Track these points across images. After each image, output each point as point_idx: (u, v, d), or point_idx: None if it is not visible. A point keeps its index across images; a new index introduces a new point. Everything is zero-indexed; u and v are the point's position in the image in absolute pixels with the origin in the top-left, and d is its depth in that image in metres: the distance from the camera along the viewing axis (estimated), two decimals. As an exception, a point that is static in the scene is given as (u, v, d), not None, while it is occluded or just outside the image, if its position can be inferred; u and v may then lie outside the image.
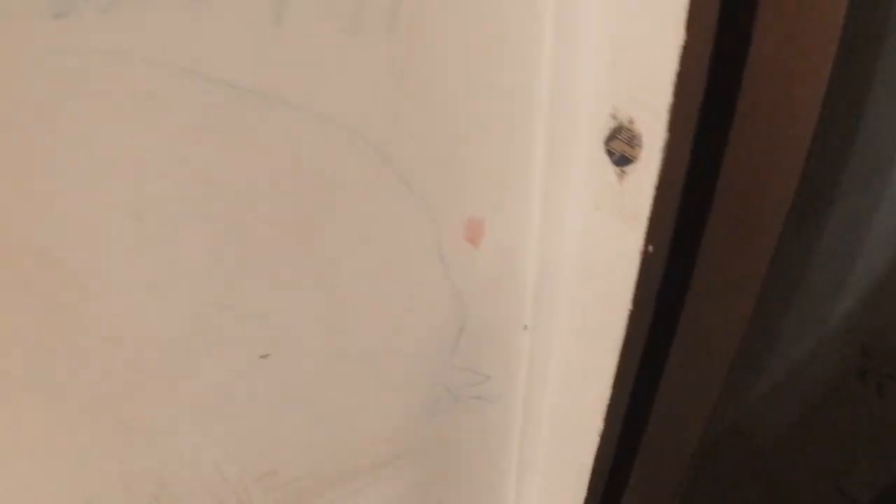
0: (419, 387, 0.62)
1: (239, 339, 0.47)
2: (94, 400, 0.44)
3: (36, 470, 0.44)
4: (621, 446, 0.67)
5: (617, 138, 0.48)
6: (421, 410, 0.63)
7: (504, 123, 0.48)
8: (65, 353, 0.40)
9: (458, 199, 0.50)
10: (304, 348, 0.51)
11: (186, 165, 0.38)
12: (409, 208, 0.49)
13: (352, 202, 0.46)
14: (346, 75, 0.40)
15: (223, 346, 0.46)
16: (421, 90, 0.44)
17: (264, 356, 0.49)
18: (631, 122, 0.46)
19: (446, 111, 0.45)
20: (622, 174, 0.49)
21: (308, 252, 0.47)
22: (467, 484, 0.76)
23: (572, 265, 0.59)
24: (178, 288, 0.41)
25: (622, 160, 0.48)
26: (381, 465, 0.66)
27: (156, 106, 0.36)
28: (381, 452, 0.64)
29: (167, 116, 0.36)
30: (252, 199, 0.41)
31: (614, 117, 0.47)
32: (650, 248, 0.50)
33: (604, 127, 0.48)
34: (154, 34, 0.35)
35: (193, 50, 0.36)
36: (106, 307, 0.40)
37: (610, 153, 0.49)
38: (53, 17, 0.33)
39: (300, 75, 0.39)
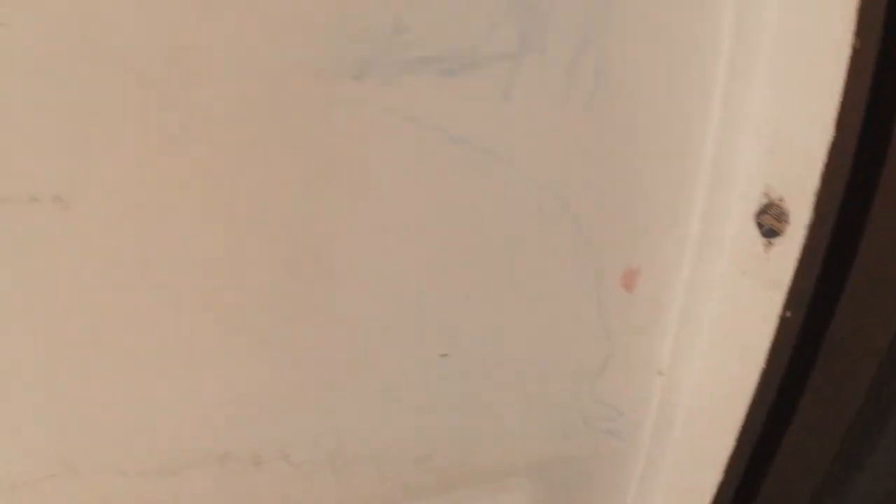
0: (558, 409, 0.72)
1: (428, 337, 0.59)
2: (308, 365, 0.58)
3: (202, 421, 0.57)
4: (737, 500, 0.72)
5: (767, 213, 0.56)
6: (555, 431, 0.72)
7: (670, 190, 0.58)
8: (310, 322, 0.54)
9: (620, 249, 0.60)
10: (474, 354, 0.62)
11: (428, 193, 0.51)
12: (579, 251, 0.59)
13: (533, 239, 0.58)
14: (550, 140, 0.52)
15: (417, 341, 0.59)
16: (605, 157, 0.55)
17: (444, 355, 0.61)
18: (781, 200, 0.54)
19: (623, 176, 0.56)
20: (768, 245, 0.56)
21: (491, 276, 0.58)
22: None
23: (712, 320, 0.66)
24: (405, 289, 0.54)
25: (770, 232, 0.56)
26: (510, 474, 0.75)
27: (413, 150, 0.50)
28: (513, 461, 0.74)
29: (420, 158, 0.50)
30: (464, 227, 0.54)
31: (766, 195, 0.56)
32: (788, 314, 0.57)
33: (756, 202, 0.56)
34: (418, 98, 0.49)
35: (443, 112, 0.50)
36: (355, 296, 0.53)
37: (759, 225, 0.58)
38: (352, 78, 0.47)
39: (517, 138, 0.51)
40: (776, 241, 0.56)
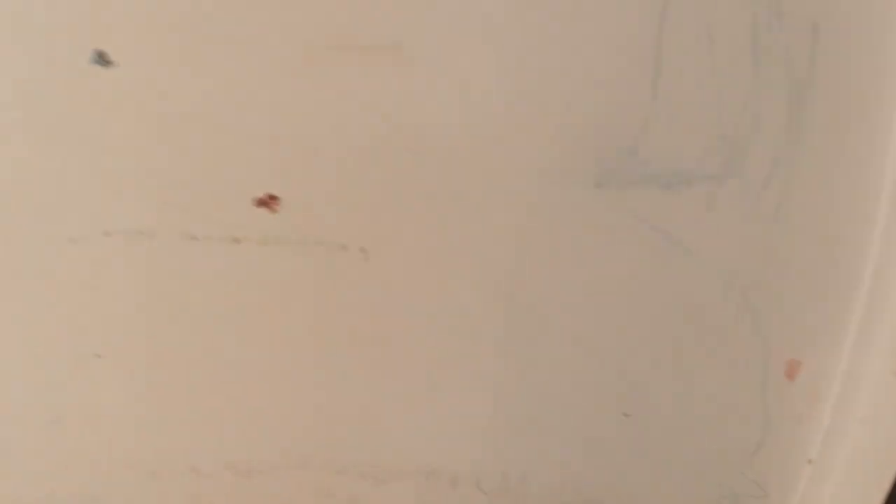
0: (713, 481, 0.80)
1: (618, 398, 0.71)
2: (518, 405, 0.70)
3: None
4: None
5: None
6: (710, 498, 0.81)
7: (837, 291, 0.68)
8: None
9: (788, 341, 0.71)
10: (652, 418, 0.73)
11: (640, 279, 0.64)
12: (753, 340, 0.70)
13: (715, 326, 0.69)
14: (742, 244, 0.65)
15: (609, 399, 0.71)
16: (785, 260, 0.67)
17: (626, 415, 0.73)
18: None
19: (799, 277, 0.67)
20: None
21: (678, 353, 0.70)
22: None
23: (864, 416, 0.74)
24: (609, 354, 0.67)
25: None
26: None
27: (636, 245, 0.64)
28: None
29: (639, 252, 0.64)
30: (663, 308, 0.67)
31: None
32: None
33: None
34: (642, 205, 0.63)
35: (660, 217, 0.64)
36: (568, 359, 0.67)
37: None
38: (595, 186, 0.62)
39: (715, 241, 0.64)
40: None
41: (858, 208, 0.68)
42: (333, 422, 0.71)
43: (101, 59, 0.55)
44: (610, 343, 0.68)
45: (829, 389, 0.75)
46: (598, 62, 0.58)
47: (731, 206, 0.64)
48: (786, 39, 0.59)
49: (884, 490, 0.72)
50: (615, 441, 0.74)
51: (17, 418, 0.71)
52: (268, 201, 0.57)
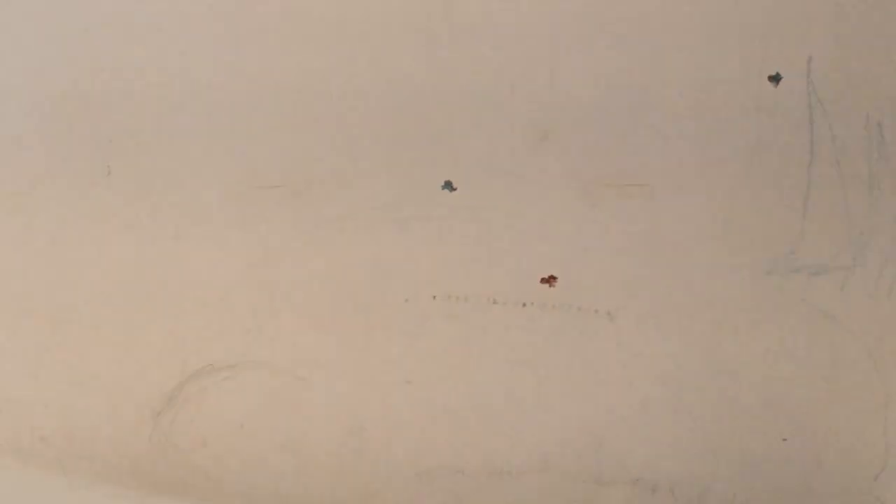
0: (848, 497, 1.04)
1: (776, 424, 0.98)
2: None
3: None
4: None
5: None
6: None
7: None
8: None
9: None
10: (804, 438, 0.99)
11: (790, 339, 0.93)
12: (873, 381, 0.96)
13: (843, 374, 0.96)
14: (866, 313, 0.93)
15: (765, 428, 0.98)
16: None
17: (784, 440, 0.99)
18: None
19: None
20: None
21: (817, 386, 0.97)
22: None
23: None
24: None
25: None
26: None
27: (790, 316, 0.93)
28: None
29: (791, 320, 0.93)
30: (798, 362, 0.95)
31: None
32: None
33: None
34: (797, 288, 0.93)
35: (812, 296, 0.93)
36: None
37: None
38: (765, 274, 0.93)
39: (846, 310, 0.93)
40: None
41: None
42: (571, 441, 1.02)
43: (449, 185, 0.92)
44: (779, 386, 0.96)
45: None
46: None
47: (857, 287, 0.93)
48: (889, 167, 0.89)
49: None
50: (775, 462, 1.00)
51: (323, 428, 1.05)
52: (549, 280, 0.91)
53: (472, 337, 0.97)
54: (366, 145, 0.99)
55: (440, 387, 1.01)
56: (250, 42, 1.04)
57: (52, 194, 1.18)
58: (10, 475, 1.38)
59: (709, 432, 1.00)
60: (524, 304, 0.94)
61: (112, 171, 1.14)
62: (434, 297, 0.97)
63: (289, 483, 1.12)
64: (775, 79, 0.89)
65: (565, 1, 0.92)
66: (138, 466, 1.22)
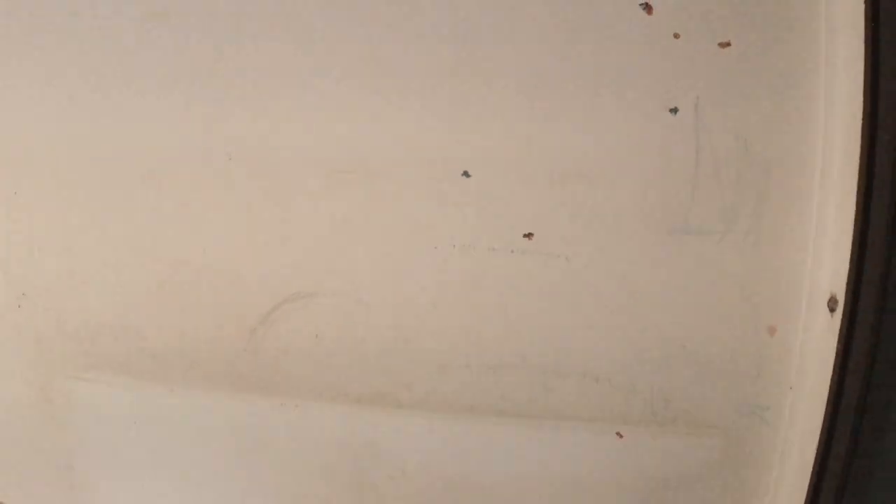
0: (736, 396, 1.53)
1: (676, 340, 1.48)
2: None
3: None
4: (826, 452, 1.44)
5: (832, 300, 1.40)
6: (737, 409, 1.53)
7: (798, 291, 1.45)
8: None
9: (773, 311, 1.47)
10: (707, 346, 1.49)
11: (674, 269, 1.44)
12: (747, 318, 1.46)
13: (720, 313, 1.47)
14: (737, 263, 1.44)
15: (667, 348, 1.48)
16: (762, 271, 1.44)
17: (684, 347, 1.49)
18: (835, 295, 1.38)
19: (769, 284, 1.45)
20: (832, 313, 1.40)
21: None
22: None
23: (811, 359, 1.47)
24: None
25: (832, 307, 1.39)
26: (709, 426, 1.56)
27: (680, 254, 1.44)
28: (713, 420, 1.54)
29: (683, 257, 1.44)
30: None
31: (831, 293, 1.40)
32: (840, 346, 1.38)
33: (825, 295, 1.41)
34: (692, 244, 1.44)
35: (699, 250, 1.44)
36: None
37: (830, 306, 1.41)
38: (668, 234, 1.44)
39: (717, 257, 1.44)
40: (836, 311, 1.39)
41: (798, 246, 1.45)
42: (542, 345, 1.52)
43: (466, 174, 1.44)
44: (680, 310, 1.46)
45: (795, 337, 1.48)
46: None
47: (732, 243, 1.44)
48: (750, 169, 1.40)
49: (825, 399, 1.43)
50: (679, 362, 1.49)
51: (377, 338, 1.55)
52: (529, 235, 1.42)
53: (478, 272, 1.48)
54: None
55: (456, 307, 1.52)
56: None
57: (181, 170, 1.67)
58: (125, 391, 1.84)
59: (634, 340, 1.49)
60: (512, 251, 1.45)
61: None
62: (454, 245, 1.48)
63: (351, 379, 1.62)
64: (674, 111, 1.40)
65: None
66: (234, 372, 1.70)
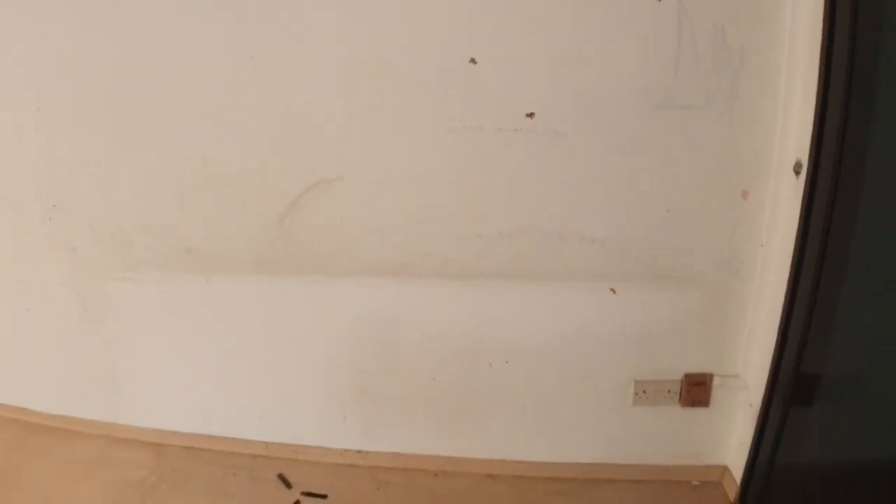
0: (714, 249, 1.74)
1: (660, 198, 1.69)
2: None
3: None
4: (792, 302, 1.67)
5: (798, 164, 1.60)
6: (711, 261, 1.74)
7: (766, 156, 1.64)
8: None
9: (743, 179, 1.66)
10: (684, 211, 1.70)
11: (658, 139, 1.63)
12: (722, 183, 1.66)
13: (707, 167, 1.66)
14: (716, 133, 1.62)
15: (648, 200, 1.69)
16: (736, 141, 1.63)
17: (669, 210, 1.69)
18: (800, 160, 1.58)
19: (741, 144, 1.64)
20: (797, 175, 1.60)
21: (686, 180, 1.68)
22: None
23: (783, 217, 1.68)
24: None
25: (797, 170, 1.60)
26: (690, 281, 1.78)
27: (668, 131, 1.63)
28: (692, 277, 1.76)
29: (669, 133, 1.63)
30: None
31: (797, 158, 1.60)
32: (805, 205, 1.59)
33: (793, 161, 1.61)
34: (675, 117, 1.63)
35: (681, 122, 1.63)
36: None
37: (795, 170, 1.61)
38: (653, 109, 1.62)
39: (700, 129, 1.62)
40: (801, 174, 1.59)
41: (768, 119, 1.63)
42: (544, 214, 1.72)
43: (473, 61, 1.60)
44: (664, 177, 1.65)
45: (764, 204, 1.69)
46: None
47: (710, 118, 1.62)
48: (726, 53, 1.57)
49: (790, 255, 1.65)
50: (664, 226, 1.70)
51: (396, 216, 1.74)
52: (531, 115, 1.59)
53: (487, 150, 1.66)
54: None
55: (467, 183, 1.70)
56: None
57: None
58: (161, 285, 2.01)
59: (625, 205, 1.69)
60: (517, 130, 1.63)
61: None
62: (464, 127, 1.65)
63: (372, 252, 1.81)
64: (659, -1, 1.56)
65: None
66: (266, 256, 1.88)
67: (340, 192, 1.75)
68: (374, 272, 1.82)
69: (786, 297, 1.63)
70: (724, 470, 1.96)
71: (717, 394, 1.86)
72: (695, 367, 1.84)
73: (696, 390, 1.84)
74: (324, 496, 1.97)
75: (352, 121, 1.69)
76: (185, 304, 2.01)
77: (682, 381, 1.85)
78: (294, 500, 1.95)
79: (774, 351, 1.66)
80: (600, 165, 1.64)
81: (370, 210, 1.76)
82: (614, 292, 1.76)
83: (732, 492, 1.89)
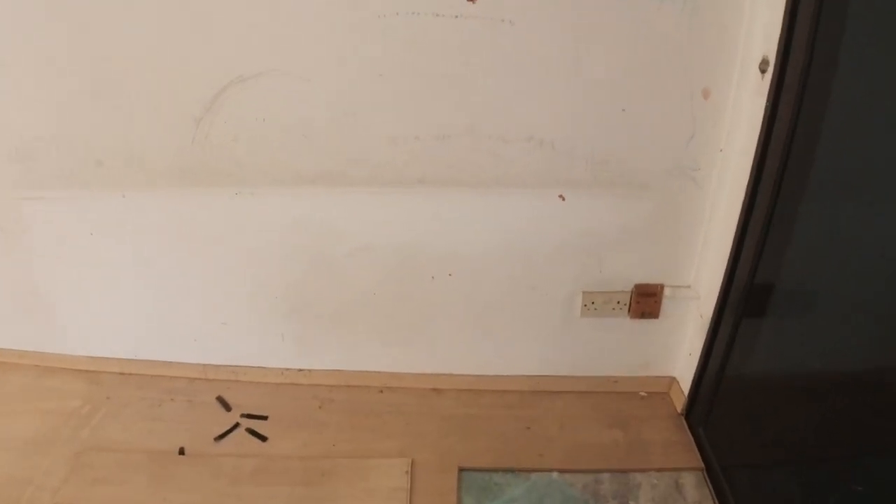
0: (670, 155, 1.61)
1: (617, 105, 1.53)
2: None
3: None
4: (749, 211, 1.57)
5: (764, 61, 1.46)
6: (666, 166, 1.62)
7: (727, 57, 1.48)
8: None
9: (703, 77, 1.52)
10: (640, 109, 1.56)
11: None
12: (681, 78, 1.51)
13: (663, 68, 1.51)
14: (681, 28, 1.46)
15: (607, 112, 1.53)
16: (700, 37, 1.47)
17: (624, 110, 1.55)
18: (767, 57, 1.44)
19: (704, 46, 1.48)
20: (763, 74, 1.46)
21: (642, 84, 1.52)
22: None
23: (746, 117, 1.55)
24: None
25: (763, 68, 1.45)
26: (644, 187, 1.66)
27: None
28: (646, 181, 1.64)
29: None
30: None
31: (763, 55, 1.46)
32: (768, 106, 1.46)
33: (758, 58, 1.46)
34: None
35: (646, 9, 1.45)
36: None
37: (761, 68, 1.47)
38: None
39: (660, 23, 1.45)
40: (767, 72, 1.45)
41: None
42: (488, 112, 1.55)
43: None
44: (610, 71, 1.49)
45: (726, 104, 1.56)
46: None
47: (670, 7, 1.44)
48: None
49: (750, 162, 1.53)
50: (618, 125, 1.56)
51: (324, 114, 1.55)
52: (472, 0, 1.40)
53: (423, 40, 1.46)
54: None
55: (402, 77, 1.51)
56: None
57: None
58: (74, 202, 1.81)
59: (575, 104, 1.54)
60: (457, 16, 1.43)
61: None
62: (397, 13, 1.44)
63: (300, 157, 1.64)
64: None
65: None
66: (185, 165, 1.69)
67: (260, 90, 1.56)
68: (303, 180, 1.66)
69: (743, 205, 1.55)
70: (673, 381, 1.93)
71: (667, 305, 1.79)
72: (645, 277, 1.76)
73: (645, 301, 1.77)
74: (265, 417, 1.89)
75: (272, 9, 1.47)
76: (103, 223, 1.83)
77: (631, 292, 1.78)
78: (234, 422, 1.87)
79: (728, 261, 1.58)
80: (550, 59, 1.47)
81: (294, 111, 1.57)
82: (563, 199, 1.64)
83: (680, 402, 1.87)
